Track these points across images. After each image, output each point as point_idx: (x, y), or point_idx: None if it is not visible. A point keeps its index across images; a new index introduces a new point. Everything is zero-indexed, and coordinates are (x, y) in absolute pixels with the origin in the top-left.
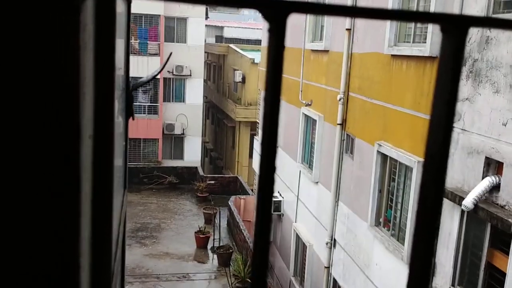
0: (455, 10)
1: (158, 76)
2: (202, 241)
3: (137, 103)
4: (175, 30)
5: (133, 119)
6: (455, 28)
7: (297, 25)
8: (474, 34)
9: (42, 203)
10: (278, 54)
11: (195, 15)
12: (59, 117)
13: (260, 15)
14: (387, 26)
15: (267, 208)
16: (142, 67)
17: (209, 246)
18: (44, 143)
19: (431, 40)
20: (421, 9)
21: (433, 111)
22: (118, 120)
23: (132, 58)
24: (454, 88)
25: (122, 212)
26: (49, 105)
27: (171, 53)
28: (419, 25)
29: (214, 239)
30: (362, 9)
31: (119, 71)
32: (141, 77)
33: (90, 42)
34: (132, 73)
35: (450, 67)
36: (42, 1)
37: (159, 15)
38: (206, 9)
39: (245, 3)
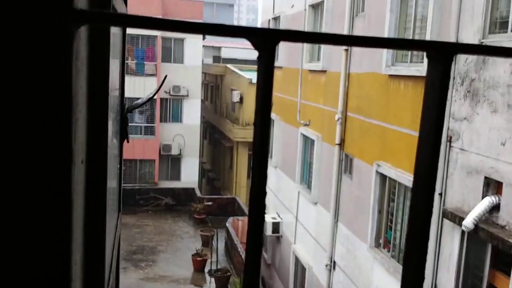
0: (452, 31)
1: (155, 97)
2: (199, 264)
3: (134, 124)
4: (172, 50)
5: (127, 141)
6: (440, 55)
7: (295, 45)
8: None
9: (33, 227)
10: (267, 80)
11: (192, 35)
12: (50, 142)
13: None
14: None
15: (259, 229)
16: (139, 87)
17: (206, 269)
18: (35, 168)
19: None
20: (417, 29)
21: (421, 138)
22: (113, 142)
23: (129, 78)
24: (440, 115)
25: (116, 236)
26: (41, 131)
27: (165, 76)
28: None
29: (211, 262)
30: (350, 37)
31: (114, 93)
32: (137, 98)
33: (83, 68)
34: (128, 94)
35: (436, 93)
36: (35, 29)
37: (156, 36)
38: None
39: (235, 32)
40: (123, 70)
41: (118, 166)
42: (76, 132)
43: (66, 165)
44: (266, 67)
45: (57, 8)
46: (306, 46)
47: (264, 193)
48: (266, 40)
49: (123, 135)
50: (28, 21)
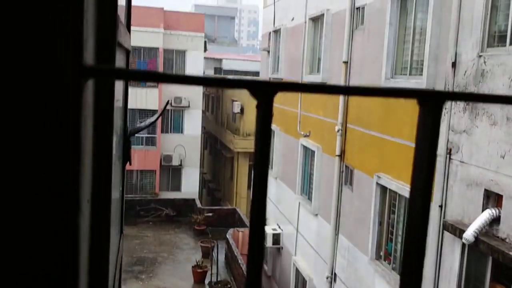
0: (450, 44)
1: (157, 108)
2: (199, 275)
3: (135, 134)
4: (173, 62)
5: (130, 164)
6: (431, 103)
7: (295, 57)
8: (470, 67)
9: (38, 272)
10: (265, 128)
11: (194, 48)
12: (58, 185)
13: (258, 48)
14: (384, 59)
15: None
16: (141, 99)
17: (206, 281)
18: (44, 212)
19: (428, 72)
20: (416, 42)
21: (413, 181)
22: (115, 167)
23: (131, 89)
24: (432, 160)
25: (118, 258)
26: (49, 175)
27: (168, 101)
28: (415, 57)
29: (211, 274)
30: (345, 87)
31: (118, 117)
32: (140, 109)
33: (90, 114)
34: (130, 105)
35: (427, 138)
36: (47, 84)
37: (158, 48)
38: (205, 41)
39: (236, 84)
40: (127, 92)
41: (121, 189)
42: (83, 175)
43: (73, 208)
44: (264, 115)
45: (67, 64)
46: (306, 57)
47: (264, 214)
48: (265, 90)
49: (126, 158)
50: (40, 77)
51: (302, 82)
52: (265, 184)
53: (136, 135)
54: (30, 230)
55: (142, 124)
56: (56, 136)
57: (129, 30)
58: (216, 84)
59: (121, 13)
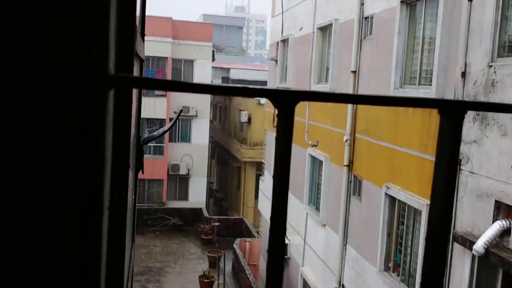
0: (460, 54)
1: (165, 117)
2: (206, 285)
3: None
4: (182, 71)
5: (142, 172)
6: (452, 112)
7: (303, 67)
8: (480, 77)
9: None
10: (286, 137)
11: (202, 57)
12: (84, 193)
13: (265, 57)
14: (393, 69)
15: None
16: (149, 108)
17: None
18: (67, 218)
19: (437, 82)
20: (425, 52)
21: (433, 189)
22: (130, 175)
23: None
24: (453, 169)
25: (130, 266)
26: (74, 182)
27: (181, 110)
28: (424, 67)
29: (218, 284)
30: (365, 96)
31: (131, 128)
32: (148, 118)
33: (110, 121)
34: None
35: (448, 148)
36: (72, 89)
37: (166, 57)
38: (213, 51)
39: (259, 93)
40: (140, 102)
41: (133, 197)
42: (104, 182)
43: (97, 213)
44: (285, 124)
45: (94, 73)
46: (314, 67)
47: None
48: (286, 100)
49: (139, 166)
50: (67, 86)
51: (322, 91)
52: (286, 192)
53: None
54: (57, 237)
55: (155, 133)
56: (82, 144)
57: (143, 39)
58: (238, 93)
59: (137, 22)
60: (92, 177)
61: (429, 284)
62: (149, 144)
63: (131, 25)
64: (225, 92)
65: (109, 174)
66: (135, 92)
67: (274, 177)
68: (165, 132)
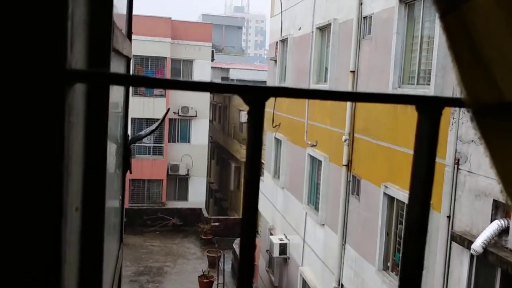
0: None
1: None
2: (205, 285)
3: (142, 144)
4: (181, 71)
5: (130, 172)
6: (430, 108)
7: (302, 66)
8: None
9: (22, 276)
10: (257, 134)
11: (201, 57)
12: (40, 191)
13: (265, 57)
14: (391, 68)
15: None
16: (148, 108)
17: None
18: (23, 218)
19: (435, 81)
20: (424, 51)
21: (412, 187)
22: (115, 175)
23: (139, 99)
24: (431, 167)
25: (116, 268)
26: (29, 187)
27: (168, 109)
28: (423, 67)
29: (218, 284)
30: (338, 92)
31: (117, 127)
32: (147, 118)
33: (79, 119)
34: (138, 115)
35: (425, 145)
36: (28, 88)
37: (165, 57)
38: (212, 51)
39: (228, 89)
40: (128, 100)
41: (121, 197)
42: (69, 180)
43: (55, 216)
44: (255, 120)
45: (49, 69)
46: (313, 67)
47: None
48: (256, 96)
49: (126, 166)
50: (23, 82)
51: (293, 87)
52: (257, 188)
53: (143, 144)
54: (9, 237)
55: (143, 133)
56: (37, 141)
57: (130, 38)
58: (206, 89)
59: (122, 22)
60: (48, 176)
61: (407, 281)
62: (148, 145)
63: (107, 22)
64: (192, 88)
65: (80, 174)
66: (121, 91)
67: (246, 169)
68: (152, 131)
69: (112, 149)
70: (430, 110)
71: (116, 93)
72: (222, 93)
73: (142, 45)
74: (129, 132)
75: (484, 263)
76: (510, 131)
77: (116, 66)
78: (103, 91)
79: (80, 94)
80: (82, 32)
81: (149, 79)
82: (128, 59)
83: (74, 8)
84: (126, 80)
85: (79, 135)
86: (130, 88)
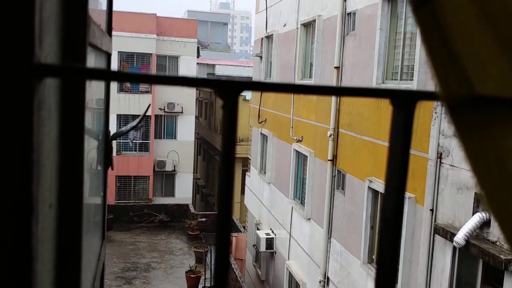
0: None
1: (150, 114)
2: (193, 281)
3: (128, 141)
4: (166, 68)
5: (112, 169)
6: (403, 102)
7: (287, 62)
8: None
9: None
10: (231, 127)
11: (187, 53)
12: (8, 194)
13: (251, 53)
14: (375, 64)
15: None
16: (134, 104)
17: (200, 286)
18: None
19: (418, 77)
20: (407, 47)
21: (387, 180)
22: (96, 172)
23: (124, 95)
24: (405, 160)
25: (98, 266)
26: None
27: (149, 105)
28: (406, 62)
29: (205, 279)
30: (309, 87)
31: (98, 122)
32: (132, 115)
33: (51, 114)
34: (124, 111)
35: (400, 138)
36: None
37: (151, 54)
38: (198, 47)
39: (201, 83)
40: (108, 95)
41: (103, 194)
42: (41, 177)
43: (25, 212)
44: (229, 114)
45: (15, 63)
46: (298, 63)
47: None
48: (229, 90)
49: (108, 162)
50: None
51: (265, 81)
52: (232, 182)
53: (129, 141)
54: None
55: (124, 129)
56: (4, 135)
57: (110, 34)
58: (179, 83)
59: (101, 17)
60: (16, 171)
61: (382, 274)
62: (134, 141)
63: (82, 15)
64: (166, 82)
65: (54, 170)
66: (102, 87)
67: (221, 162)
68: (133, 127)
69: (91, 145)
70: (404, 104)
71: (96, 88)
72: (195, 87)
73: (128, 42)
74: (114, 129)
75: (467, 255)
76: (482, 126)
77: (95, 62)
78: (78, 86)
79: (53, 89)
80: (54, 25)
81: (122, 74)
82: (108, 55)
83: (42, 1)
84: (98, 75)
85: (52, 131)
86: (115, 85)
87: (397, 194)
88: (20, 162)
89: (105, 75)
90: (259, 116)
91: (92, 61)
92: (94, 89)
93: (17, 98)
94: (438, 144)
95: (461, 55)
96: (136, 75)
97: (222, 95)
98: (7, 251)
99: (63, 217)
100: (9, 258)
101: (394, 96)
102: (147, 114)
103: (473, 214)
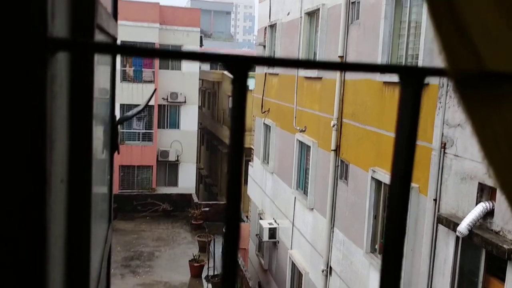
0: None
1: (153, 103)
2: (196, 269)
3: (132, 130)
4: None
5: (118, 153)
6: (412, 79)
7: (291, 52)
8: None
9: (6, 247)
10: (240, 103)
11: (190, 43)
12: (23, 166)
13: (254, 43)
14: (379, 53)
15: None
16: (137, 94)
17: (203, 275)
18: (7, 191)
19: (423, 66)
20: (412, 36)
21: (394, 161)
22: (103, 154)
23: (128, 85)
24: (413, 138)
25: (105, 248)
26: (13, 155)
27: (155, 89)
28: (410, 51)
29: (208, 268)
30: (318, 62)
31: (104, 105)
32: (136, 104)
33: (62, 89)
34: (127, 101)
35: (409, 115)
36: (8, 55)
37: (154, 43)
38: (201, 36)
39: (212, 58)
40: (114, 84)
41: (109, 177)
42: (53, 152)
43: (39, 186)
44: (239, 89)
45: (30, 37)
46: (302, 52)
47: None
48: (239, 65)
49: (114, 146)
50: (3, 49)
51: (275, 57)
52: (241, 162)
53: (133, 130)
54: None
55: (130, 113)
56: (19, 109)
57: (115, 19)
58: (188, 57)
59: (108, 2)
60: (30, 145)
61: (389, 259)
62: (138, 131)
63: None
64: (174, 56)
65: (65, 145)
66: (108, 72)
67: (229, 145)
68: (139, 111)
69: (99, 128)
70: (412, 80)
71: (102, 71)
72: (205, 62)
73: (130, 31)
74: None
75: (470, 245)
76: (490, 100)
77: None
78: (87, 61)
79: (64, 65)
80: (64, 5)
81: (130, 48)
82: (114, 39)
83: None
84: (107, 49)
85: (63, 106)
86: (119, 74)
87: (404, 174)
88: (34, 133)
89: (113, 49)
90: (262, 106)
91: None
92: (100, 72)
93: (32, 71)
94: (442, 134)
95: (469, 27)
96: (144, 49)
97: (232, 70)
98: (23, 219)
99: (72, 193)
100: (25, 226)
101: (402, 72)
102: (150, 104)
103: (476, 204)
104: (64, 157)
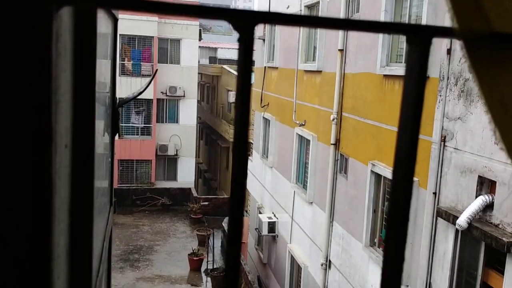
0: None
1: (152, 97)
2: (195, 263)
3: (131, 124)
4: (168, 51)
5: (119, 136)
6: (419, 38)
7: (290, 46)
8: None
9: (10, 212)
10: (246, 61)
11: (189, 36)
12: (28, 122)
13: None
14: (379, 47)
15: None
16: (136, 88)
17: (203, 269)
18: (12, 148)
19: None
20: (414, 15)
21: (401, 121)
22: (104, 136)
23: (126, 79)
24: (420, 99)
25: (107, 229)
26: (18, 111)
27: (156, 70)
28: None
29: (208, 262)
30: (325, 19)
31: (105, 88)
32: (136, 99)
33: (66, 51)
34: (125, 94)
35: (415, 75)
36: (13, 10)
37: (153, 37)
38: (200, 30)
39: (215, 14)
40: (115, 66)
41: (110, 159)
42: (58, 114)
43: (46, 146)
44: (245, 47)
45: None
46: (302, 46)
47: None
48: (245, 21)
49: (115, 129)
50: (7, 3)
51: (283, 13)
52: (247, 125)
53: (132, 125)
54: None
55: (130, 95)
56: (24, 65)
57: None
58: (193, 13)
59: None
60: (36, 102)
61: (391, 252)
62: (136, 125)
63: None
64: (177, 12)
65: (67, 109)
66: (108, 60)
67: (235, 106)
68: (140, 93)
69: (103, 111)
70: (419, 40)
71: (104, 62)
72: (209, 19)
73: (129, 24)
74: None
75: (469, 238)
76: (499, 62)
77: (105, 25)
78: (91, 17)
79: (68, 26)
80: None
81: (135, 1)
82: (115, 20)
83: None
84: (111, 2)
85: (67, 70)
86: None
87: (411, 133)
88: (40, 88)
89: (117, 2)
90: (261, 100)
91: (101, 24)
92: (101, 61)
93: (38, 25)
94: (442, 127)
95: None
96: (147, 2)
97: (238, 26)
98: (29, 180)
99: (76, 159)
100: (31, 184)
101: (409, 31)
102: (149, 98)
103: (476, 197)
104: (68, 123)
